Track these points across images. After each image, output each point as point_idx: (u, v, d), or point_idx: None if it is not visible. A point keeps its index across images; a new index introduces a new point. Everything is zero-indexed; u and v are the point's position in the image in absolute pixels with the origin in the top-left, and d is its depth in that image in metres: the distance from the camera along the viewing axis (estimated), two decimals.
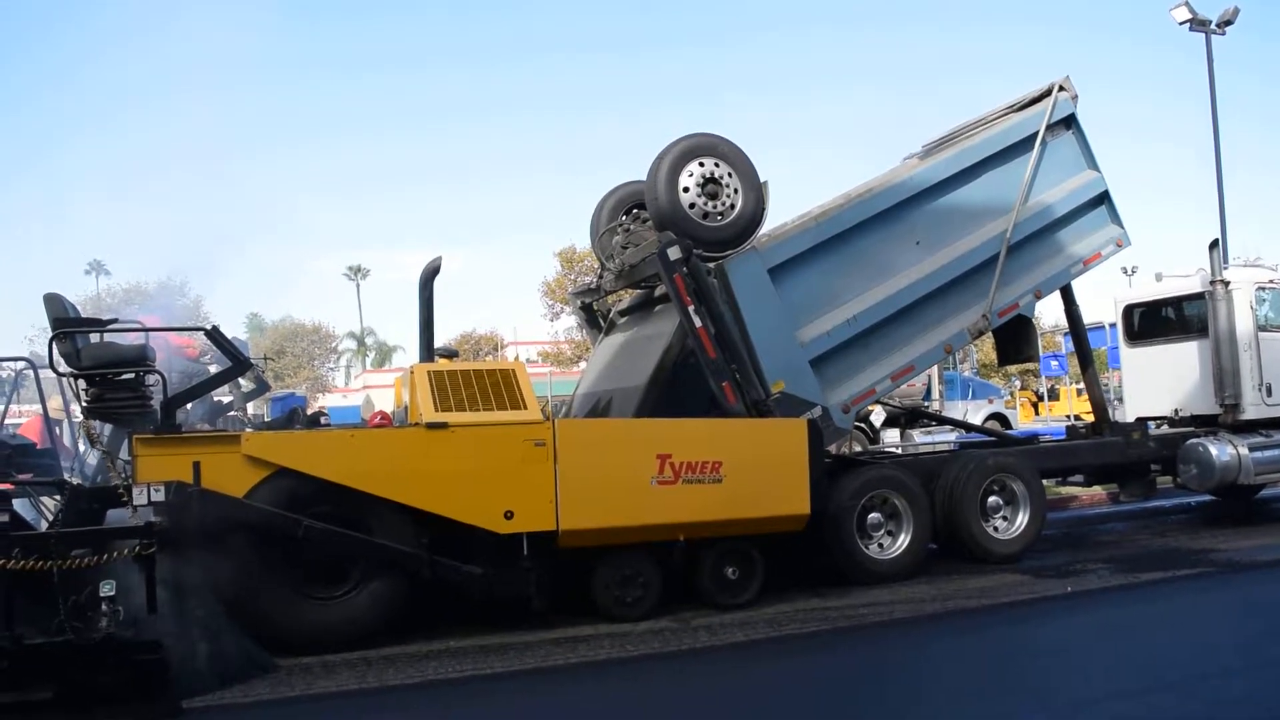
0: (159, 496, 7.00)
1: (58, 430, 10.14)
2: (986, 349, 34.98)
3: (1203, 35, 23.02)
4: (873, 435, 20.63)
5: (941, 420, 18.63)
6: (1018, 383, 42.89)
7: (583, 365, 37.58)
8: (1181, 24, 23.01)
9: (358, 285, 77.12)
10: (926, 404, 22.66)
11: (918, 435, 21.65)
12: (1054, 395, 39.16)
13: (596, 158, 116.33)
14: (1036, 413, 37.15)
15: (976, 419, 22.35)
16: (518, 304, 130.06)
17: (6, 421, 9.88)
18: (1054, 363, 33.27)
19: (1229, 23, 23.15)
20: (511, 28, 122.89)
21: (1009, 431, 19.11)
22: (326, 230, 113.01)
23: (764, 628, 8.13)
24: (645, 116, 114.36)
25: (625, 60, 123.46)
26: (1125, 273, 39.83)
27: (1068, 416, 30.45)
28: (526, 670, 7.15)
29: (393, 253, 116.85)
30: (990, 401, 28.40)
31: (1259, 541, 11.45)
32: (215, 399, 10.70)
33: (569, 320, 41.62)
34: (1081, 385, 38.00)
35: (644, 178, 9.78)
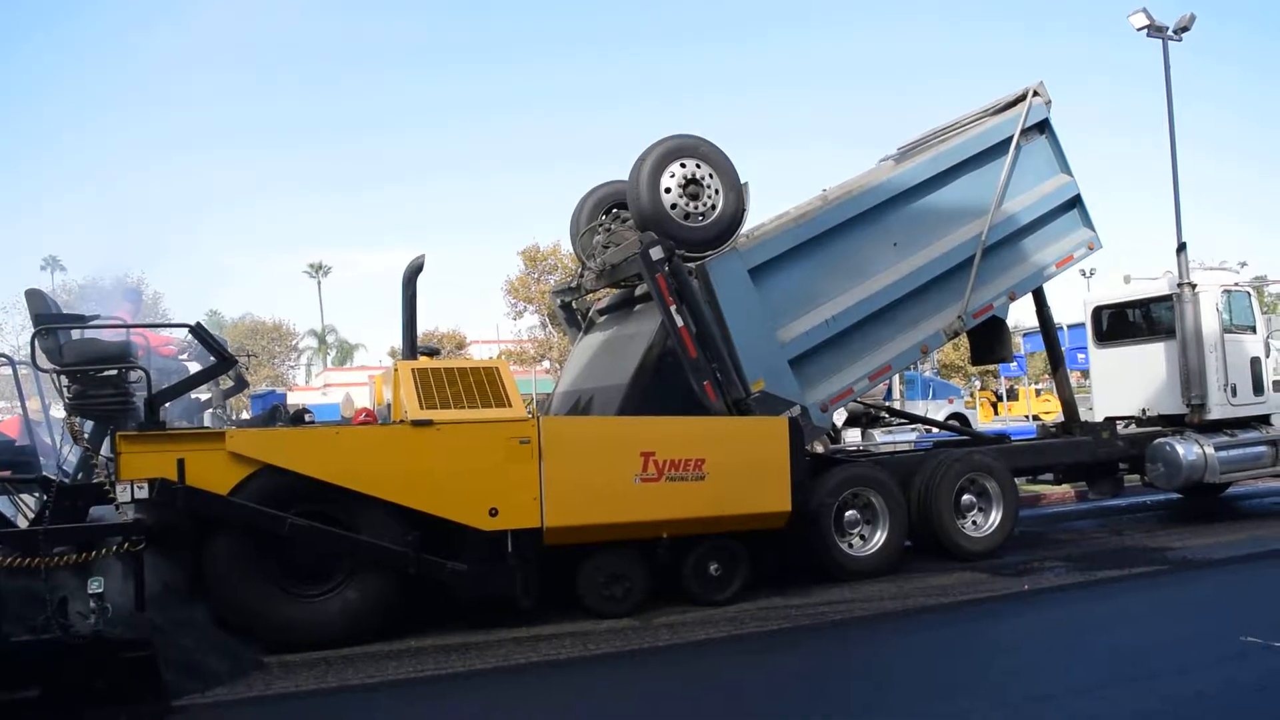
0: (143, 494, 6.97)
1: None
2: (946, 349, 35.38)
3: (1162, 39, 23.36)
4: (834, 434, 20.73)
5: (913, 419, 18.72)
6: (977, 383, 43.40)
7: (545, 364, 37.60)
8: (1139, 30, 23.38)
9: (319, 283, 76.02)
10: (888, 403, 22.83)
11: (879, 435, 21.79)
12: (1013, 395, 39.70)
13: (557, 156, 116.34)
14: (996, 412, 37.64)
15: (936, 419, 22.54)
16: (480, 303, 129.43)
17: None
18: (1013, 364, 33.64)
19: (1185, 29, 23.54)
20: (469, 25, 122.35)
21: (977, 431, 19.24)
22: (287, 227, 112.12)
23: (725, 625, 8.19)
24: (607, 115, 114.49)
25: (586, 57, 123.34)
26: (1084, 274, 40.30)
27: (1026, 416, 30.89)
28: (487, 669, 7.14)
29: (353, 251, 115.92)
30: (950, 401, 28.82)
31: (1214, 540, 11.64)
32: (193, 396, 10.60)
33: (531, 319, 41.59)
34: (1040, 386, 38.58)
35: (618, 177, 9.80)
